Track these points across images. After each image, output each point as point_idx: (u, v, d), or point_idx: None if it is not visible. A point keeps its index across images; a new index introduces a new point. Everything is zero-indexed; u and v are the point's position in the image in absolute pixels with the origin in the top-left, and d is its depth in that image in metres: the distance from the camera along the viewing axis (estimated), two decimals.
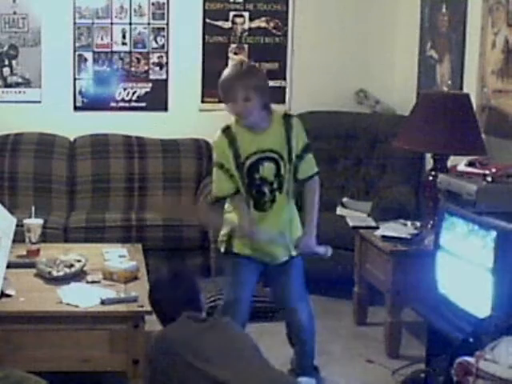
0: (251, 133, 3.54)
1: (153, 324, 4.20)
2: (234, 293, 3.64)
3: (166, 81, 5.76)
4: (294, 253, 3.65)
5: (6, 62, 5.61)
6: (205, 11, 5.75)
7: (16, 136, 5.50)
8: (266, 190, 3.58)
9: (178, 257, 5.07)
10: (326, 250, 3.63)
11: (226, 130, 3.57)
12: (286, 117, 3.59)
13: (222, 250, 3.70)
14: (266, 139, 3.54)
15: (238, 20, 5.79)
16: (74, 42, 5.66)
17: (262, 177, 3.56)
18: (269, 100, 3.57)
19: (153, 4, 5.70)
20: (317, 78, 5.85)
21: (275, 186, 3.58)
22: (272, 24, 5.81)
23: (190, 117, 5.78)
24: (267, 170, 3.55)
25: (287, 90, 5.85)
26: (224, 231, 3.69)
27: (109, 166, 5.50)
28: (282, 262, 3.66)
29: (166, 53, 5.76)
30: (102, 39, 5.69)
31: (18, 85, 5.63)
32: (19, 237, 3.89)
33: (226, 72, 3.54)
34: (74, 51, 5.68)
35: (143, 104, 5.76)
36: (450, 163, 4.35)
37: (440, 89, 5.09)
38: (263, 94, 3.51)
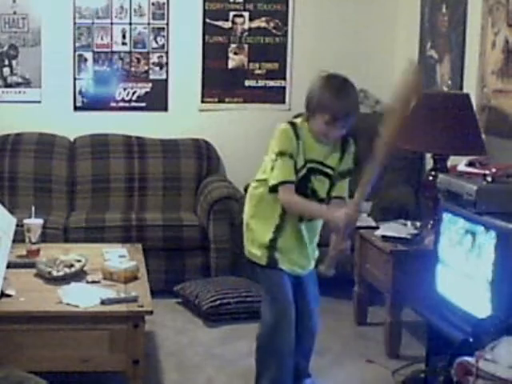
0: (315, 140, 3.39)
1: (153, 324, 4.22)
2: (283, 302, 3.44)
3: (166, 81, 5.76)
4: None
5: (6, 62, 5.61)
6: (205, 11, 5.75)
7: (16, 136, 5.50)
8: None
9: (178, 257, 5.08)
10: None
11: (293, 126, 3.37)
12: (345, 139, 3.48)
13: (264, 263, 3.45)
14: (327, 153, 3.41)
15: (238, 20, 5.78)
16: (74, 42, 5.66)
17: (312, 189, 3.39)
18: None
19: (153, 4, 5.70)
20: None
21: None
22: (272, 24, 5.81)
23: (189, 117, 5.78)
24: (318, 183, 3.40)
25: (287, 90, 5.85)
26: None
27: (109, 165, 5.50)
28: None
29: (166, 53, 5.75)
30: (102, 39, 5.68)
31: (18, 85, 5.63)
32: (19, 237, 3.88)
33: (344, 91, 3.47)
34: (74, 51, 5.68)
35: (143, 104, 5.76)
36: (449, 163, 4.35)
37: (440, 89, 5.09)
38: None
